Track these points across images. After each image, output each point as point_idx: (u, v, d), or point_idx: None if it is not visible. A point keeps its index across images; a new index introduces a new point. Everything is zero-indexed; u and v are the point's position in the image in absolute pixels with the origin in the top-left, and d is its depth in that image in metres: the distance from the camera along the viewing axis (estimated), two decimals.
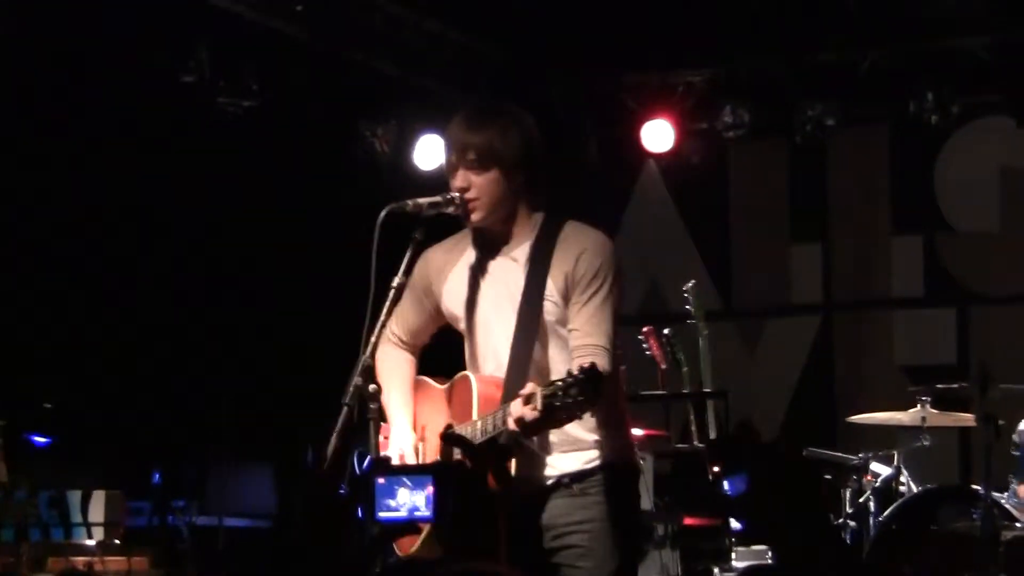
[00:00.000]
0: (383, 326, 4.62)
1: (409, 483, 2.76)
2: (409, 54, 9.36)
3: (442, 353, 4.98)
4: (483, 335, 4.77)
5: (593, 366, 4.27)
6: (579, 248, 4.62)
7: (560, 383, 4.29)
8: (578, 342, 4.52)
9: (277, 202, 9.15)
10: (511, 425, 4.38)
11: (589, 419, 4.62)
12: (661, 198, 10.56)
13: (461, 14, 9.36)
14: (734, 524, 6.96)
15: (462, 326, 4.84)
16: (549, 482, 4.65)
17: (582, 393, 4.25)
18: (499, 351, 4.70)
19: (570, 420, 4.43)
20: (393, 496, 2.77)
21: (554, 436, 4.64)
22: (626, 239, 10.63)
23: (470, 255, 4.84)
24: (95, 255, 8.54)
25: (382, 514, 2.75)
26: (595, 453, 4.68)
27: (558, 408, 4.28)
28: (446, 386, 4.81)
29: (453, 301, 4.84)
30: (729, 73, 9.74)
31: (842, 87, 9.46)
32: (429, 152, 9.54)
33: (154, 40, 8.27)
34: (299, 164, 9.22)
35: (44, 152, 8.21)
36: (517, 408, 4.35)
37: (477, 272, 4.80)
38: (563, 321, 4.62)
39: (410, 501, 2.76)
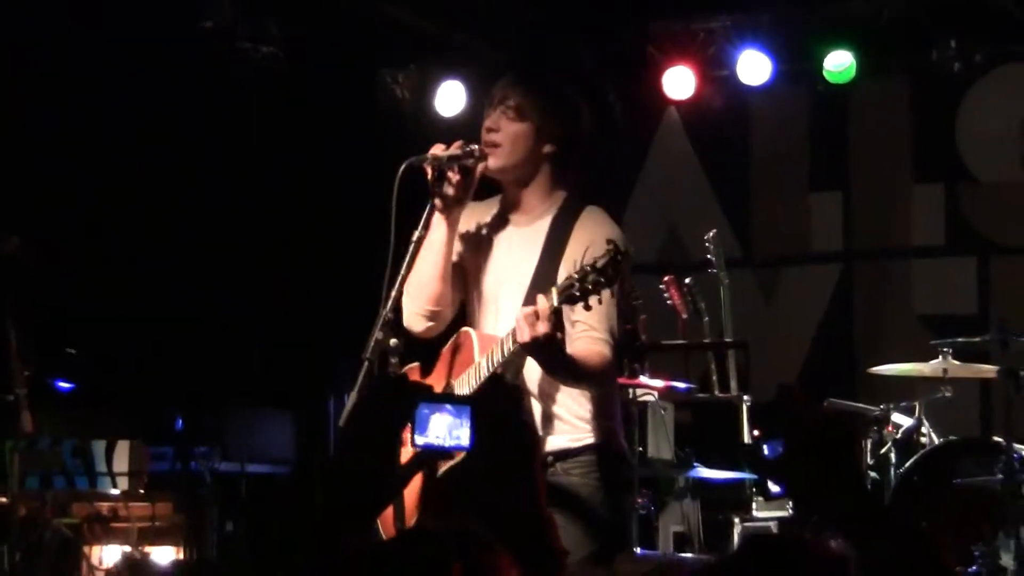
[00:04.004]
0: (403, 280, 4.65)
1: (448, 412, 2.82)
2: (431, 5, 9.31)
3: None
4: (490, 302, 4.82)
5: (607, 253, 4.31)
6: (589, 239, 4.68)
7: (575, 273, 4.34)
8: (581, 332, 4.58)
9: (297, 149, 9.14)
10: (523, 334, 4.36)
11: (583, 402, 4.68)
12: (681, 146, 10.53)
13: None
14: (773, 487, 7.00)
15: (470, 289, 4.88)
16: None
17: (602, 274, 4.29)
18: (504, 320, 4.73)
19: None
20: (432, 424, 2.83)
21: (543, 413, 4.67)
22: (646, 187, 10.62)
23: (489, 222, 4.88)
24: (116, 205, 8.55)
25: (419, 440, 2.80)
26: (582, 434, 4.73)
27: (578, 297, 4.31)
28: (441, 353, 4.84)
29: (468, 263, 4.88)
30: (751, 20, 9.67)
31: (864, 35, 9.39)
32: (450, 99, 9.52)
33: None
34: (319, 110, 9.21)
35: (60, 98, 8.20)
36: (528, 308, 4.36)
37: (495, 238, 4.84)
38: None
39: (448, 430, 2.81)
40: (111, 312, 8.49)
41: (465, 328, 4.81)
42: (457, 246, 4.88)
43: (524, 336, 4.36)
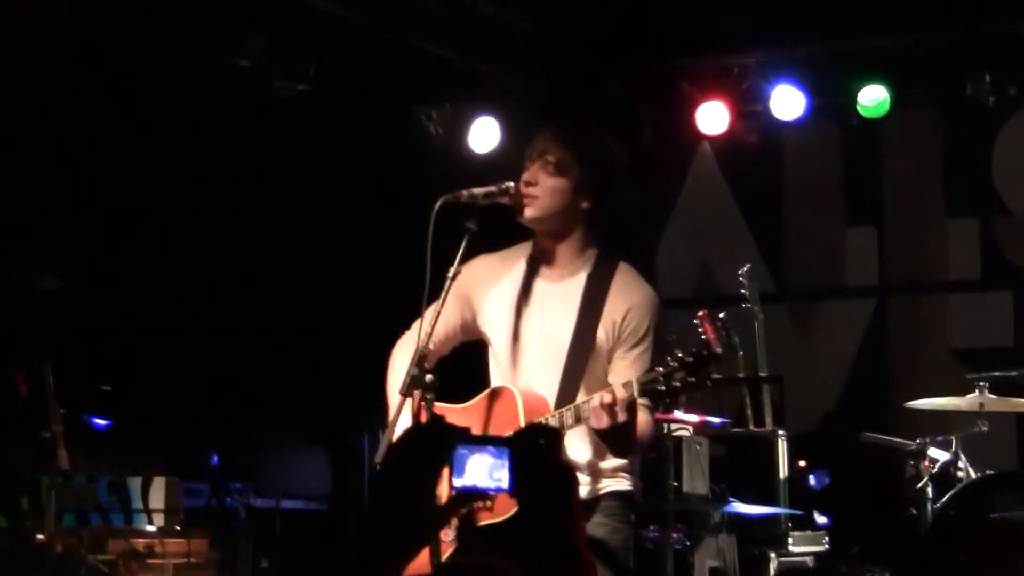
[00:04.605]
0: (438, 316, 4.65)
1: (488, 454, 2.83)
2: (464, 37, 9.35)
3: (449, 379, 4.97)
4: (520, 357, 4.80)
5: (707, 345, 4.31)
6: (629, 302, 4.70)
7: (661, 368, 4.33)
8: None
9: (331, 186, 9.17)
10: (601, 421, 4.36)
11: (607, 454, 4.69)
12: (715, 181, 10.54)
13: None
14: (819, 518, 7.03)
15: (494, 345, 4.86)
16: None
17: (692, 374, 4.28)
18: (535, 376, 4.73)
19: (664, 408, 4.49)
20: (470, 466, 2.83)
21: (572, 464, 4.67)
22: (680, 222, 10.64)
23: (517, 275, 4.87)
24: (150, 238, 8.59)
25: (457, 482, 2.81)
26: (604, 482, 4.74)
27: (662, 392, 4.30)
28: (473, 401, 4.83)
29: (490, 318, 4.86)
30: (784, 55, 9.68)
31: (897, 69, 9.38)
32: (483, 136, 9.54)
33: (210, 24, 8.29)
34: (353, 147, 9.23)
35: (98, 136, 8.24)
36: (606, 395, 4.35)
37: (524, 292, 4.83)
38: (599, 363, 4.66)
39: (488, 472, 2.82)
40: (145, 349, 8.51)
41: (506, 385, 4.78)
42: (480, 298, 4.90)
43: (602, 423, 4.38)
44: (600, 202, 4.80)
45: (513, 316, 4.83)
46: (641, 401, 4.57)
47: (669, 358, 4.39)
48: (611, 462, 4.75)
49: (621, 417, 4.35)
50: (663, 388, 4.33)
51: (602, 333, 4.69)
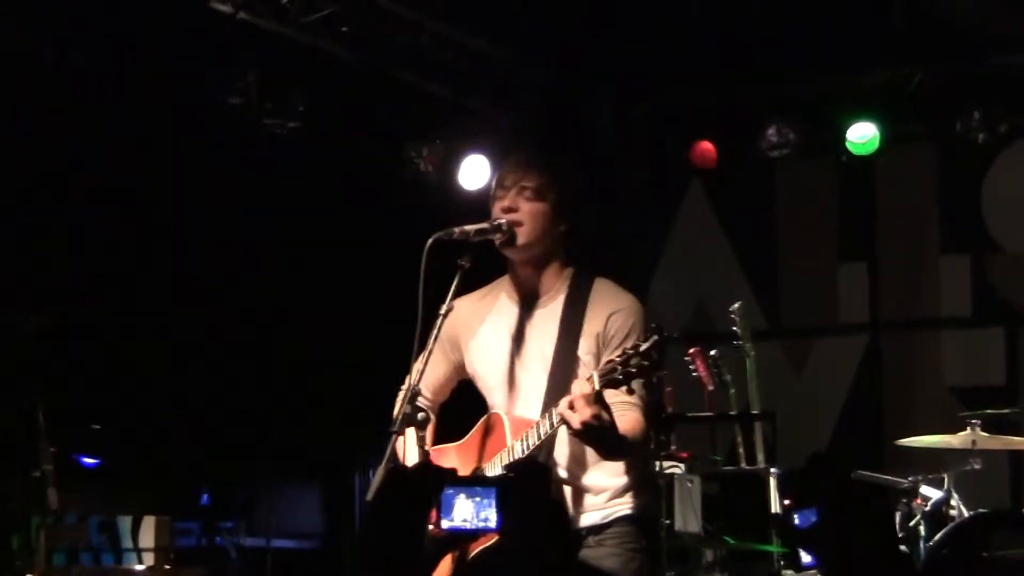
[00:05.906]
0: (430, 354, 4.65)
1: (475, 495, 2.83)
2: (455, 74, 9.37)
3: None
4: (518, 391, 4.79)
5: (656, 331, 4.29)
6: (609, 309, 4.72)
7: (616, 357, 4.33)
8: (612, 401, 4.52)
9: (323, 223, 9.17)
10: (573, 422, 4.34)
11: (617, 475, 4.67)
12: (707, 217, 10.53)
13: (507, 34, 9.36)
14: (804, 557, 7.00)
15: (490, 382, 4.85)
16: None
17: (646, 358, 4.28)
18: (529, 409, 4.71)
19: (635, 407, 4.49)
20: (458, 507, 2.84)
21: (575, 489, 4.65)
22: (672, 259, 10.62)
23: (501, 309, 4.87)
24: (141, 276, 8.58)
25: (445, 523, 2.81)
26: (615, 508, 4.71)
27: (620, 380, 4.30)
28: (468, 436, 4.82)
29: (482, 356, 4.86)
30: (776, 92, 9.70)
31: (889, 106, 9.40)
32: (474, 173, 9.54)
33: (202, 63, 8.30)
34: (345, 185, 9.24)
35: (91, 173, 8.25)
36: (575, 389, 4.35)
37: (509, 329, 4.83)
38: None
39: (475, 512, 2.82)
40: (136, 388, 8.50)
41: (496, 412, 4.79)
42: (468, 340, 4.89)
43: (575, 424, 4.35)
44: (576, 224, 4.83)
45: (508, 352, 4.82)
46: (631, 400, 4.56)
47: (624, 347, 4.39)
48: (614, 483, 4.71)
49: (588, 412, 4.33)
50: (621, 376, 4.32)
51: (584, 347, 4.68)
